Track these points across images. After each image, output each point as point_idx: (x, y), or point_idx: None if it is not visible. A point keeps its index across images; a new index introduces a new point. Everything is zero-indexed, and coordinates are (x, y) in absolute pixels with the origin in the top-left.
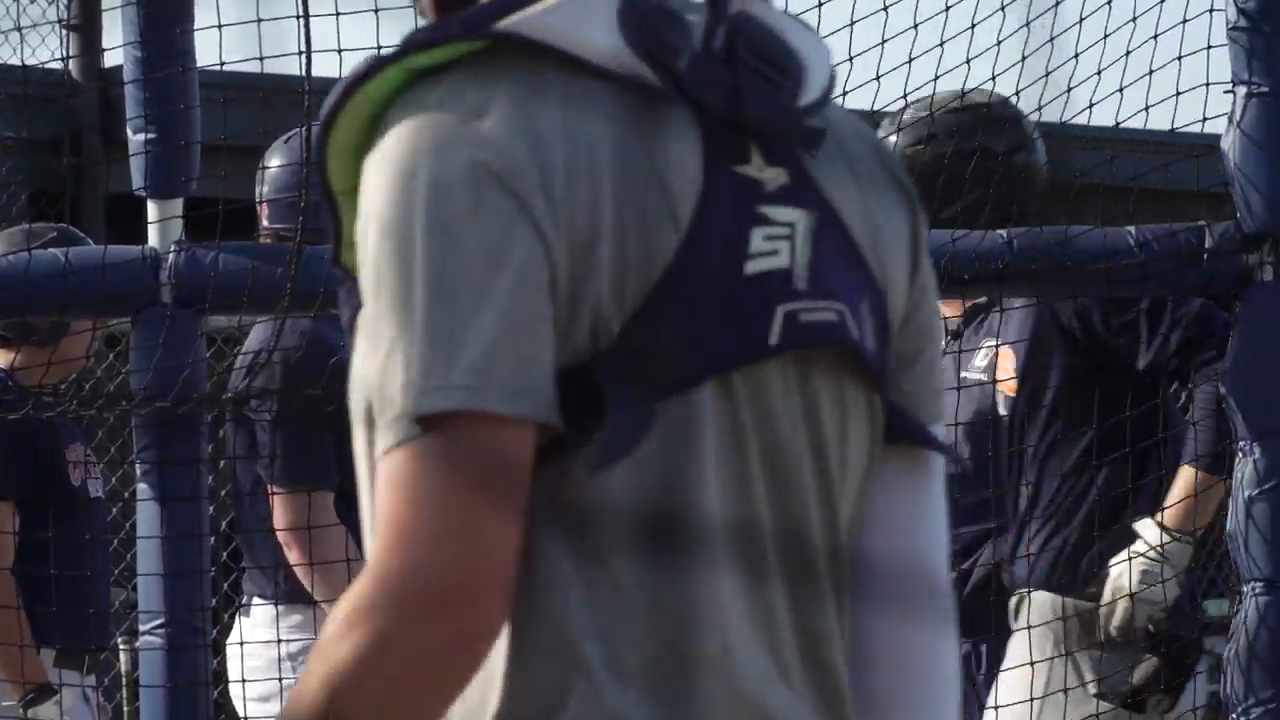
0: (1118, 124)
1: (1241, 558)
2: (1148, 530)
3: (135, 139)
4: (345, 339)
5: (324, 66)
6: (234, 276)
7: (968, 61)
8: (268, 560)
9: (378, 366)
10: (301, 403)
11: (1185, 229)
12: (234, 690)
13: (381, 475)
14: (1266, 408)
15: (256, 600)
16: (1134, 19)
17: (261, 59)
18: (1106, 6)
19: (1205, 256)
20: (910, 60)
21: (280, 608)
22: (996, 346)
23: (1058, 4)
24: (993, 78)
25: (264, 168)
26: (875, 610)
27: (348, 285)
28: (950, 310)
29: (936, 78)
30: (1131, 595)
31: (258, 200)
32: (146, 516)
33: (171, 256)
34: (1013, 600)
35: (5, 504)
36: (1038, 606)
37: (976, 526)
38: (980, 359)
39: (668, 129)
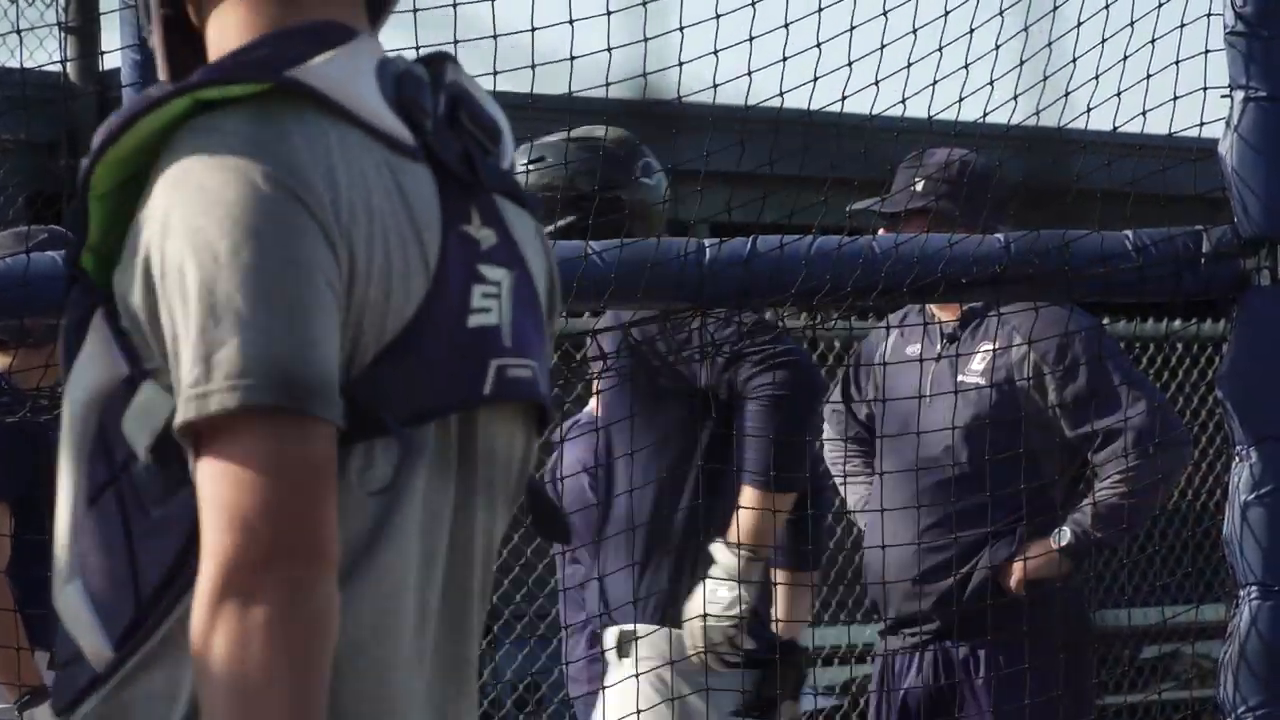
0: (1115, 128)
1: (1238, 562)
2: (718, 551)
3: None
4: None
5: None
6: None
7: (966, 66)
8: None
9: (190, 365)
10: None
11: (1182, 233)
12: None
13: (214, 464)
14: (1263, 412)
15: None
16: (1132, 23)
17: None
18: (1104, 11)
19: (1202, 261)
20: (909, 65)
21: None
22: (993, 351)
23: (1056, 8)
24: (990, 82)
25: None
26: None
27: (81, 286)
28: (947, 314)
29: (935, 82)
30: (704, 616)
31: None
32: None
33: None
34: (611, 637)
35: (1, 506)
36: (648, 643)
37: (974, 530)
38: (977, 363)
39: (418, 185)
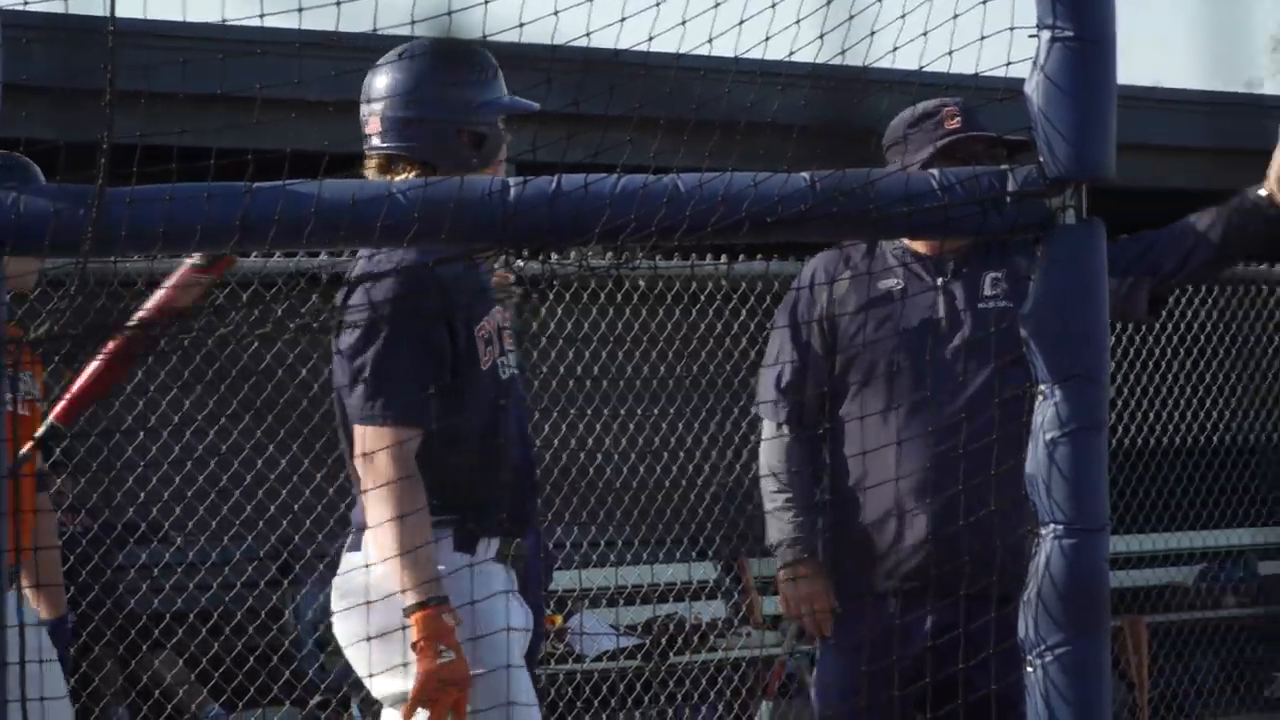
0: (921, 68)
1: (1041, 501)
2: None
3: None
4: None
5: (128, 8)
6: (36, 218)
7: (773, 5)
8: None
9: None
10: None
11: (988, 172)
12: (338, 627)
13: None
14: (1069, 351)
15: (368, 534)
16: None
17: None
18: None
19: (1008, 200)
20: (717, 5)
21: None
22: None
23: None
24: (797, 21)
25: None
26: None
27: None
28: (931, 248)
29: (742, 22)
30: None
31: (362, 115)
32: None
33: None
34: None
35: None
36: None
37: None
38: (988, 288)
39: None
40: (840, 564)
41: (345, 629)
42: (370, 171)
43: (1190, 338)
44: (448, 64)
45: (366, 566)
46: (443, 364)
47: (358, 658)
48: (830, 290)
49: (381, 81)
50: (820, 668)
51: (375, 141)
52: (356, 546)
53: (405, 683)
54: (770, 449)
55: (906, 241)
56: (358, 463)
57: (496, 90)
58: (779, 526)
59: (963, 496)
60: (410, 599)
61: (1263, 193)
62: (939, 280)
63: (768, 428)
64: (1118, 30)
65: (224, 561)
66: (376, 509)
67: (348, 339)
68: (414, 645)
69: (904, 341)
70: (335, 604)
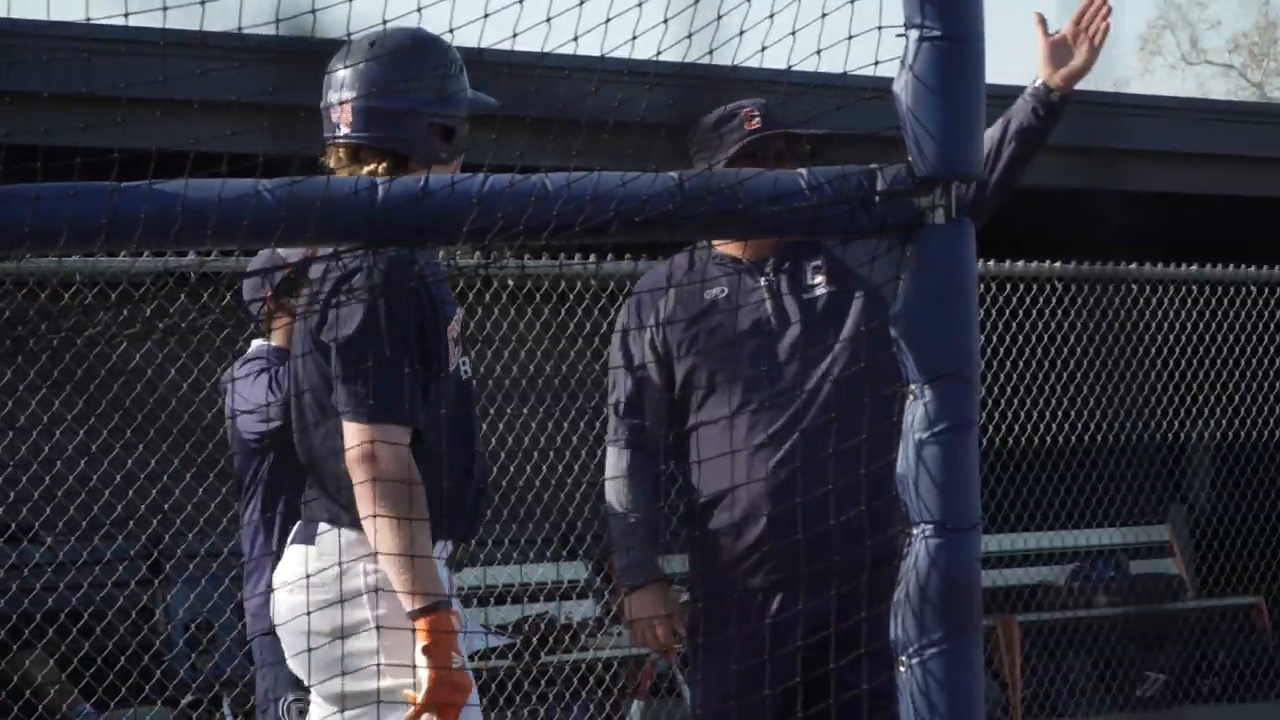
0: (790, 67)
1: (912, 501)
2: None
3: None
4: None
5: None
6: None
7: (640, 4)
8: (334, 487)
9: None
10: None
11: (857, 171)
12: (286, 620)
13: None
14: (938, 350)
15: (324, 527)
16: None
17: None
18: None
19: (877, 199)
20: (582, 2)
21: (356, 534)
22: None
23: None
24: (665, 20)
25: (331, 70)
26: None
27: None
28: (749, 250)
29: (609, 20)
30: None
31: (327, 105)
32: None
33: None
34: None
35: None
36: None
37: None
38: (810, 277)
39: None
40: (699, 570)
41: (297, 624)
42: (333, 162)
43: (1060, 337)
44: (420, 56)
45: (374, 564)
46: (431, 363)
47: (312, 655)
48: (657, 310)
49: (353, 72)
50: (695, 679)
51: (345, 131)
52: (309, 539)
53: (360, 683)
54: (613, 472)
55: (722, 248)
56: (352, 461)
57: (463, 84)
58: (622, 551)
59: (817, 489)
60: (419, 602)
61: (1039, 83)
62: (762, 281)
63: (610, 452)
64: (986, 29)
65: (94, 561)
66: (380, 508)
67: (344, 333)
68: (424, 649)
69: (739, 347)
70: (285, 598)
